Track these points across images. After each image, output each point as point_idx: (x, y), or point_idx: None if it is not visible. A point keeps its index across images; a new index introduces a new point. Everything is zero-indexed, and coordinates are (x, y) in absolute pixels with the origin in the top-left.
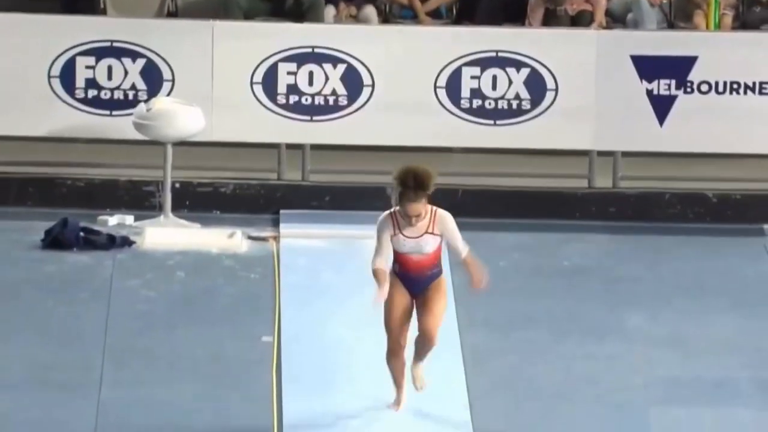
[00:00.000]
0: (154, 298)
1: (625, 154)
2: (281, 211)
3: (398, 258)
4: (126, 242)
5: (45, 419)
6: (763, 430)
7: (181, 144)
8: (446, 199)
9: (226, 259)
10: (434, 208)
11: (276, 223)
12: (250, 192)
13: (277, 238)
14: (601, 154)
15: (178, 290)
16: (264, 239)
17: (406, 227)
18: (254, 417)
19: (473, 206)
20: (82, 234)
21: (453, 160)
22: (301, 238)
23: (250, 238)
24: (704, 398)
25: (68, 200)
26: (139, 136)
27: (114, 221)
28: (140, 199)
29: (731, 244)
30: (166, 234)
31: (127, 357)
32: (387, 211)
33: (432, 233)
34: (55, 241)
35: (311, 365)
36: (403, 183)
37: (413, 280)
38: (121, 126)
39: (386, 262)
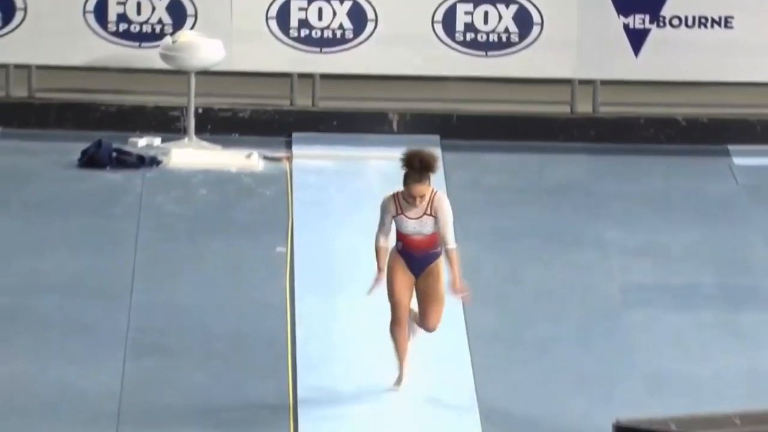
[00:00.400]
0: (180, 212)
1: (604, 82)
2: (293, 134)
3: (401, 237)
4: (154, 162)
5: (82, 321)
6: (725, 328)
7: (203, 73)
8: (442, 123)
9: (244, 177)
10: (435, 190)
11: (289, 145)
12: (266, 117)
13: (290, 159)
14: (582, 82)
15: (201, 205)
16: (278, 159)
17: (408, 208)
18: (269, 319)
19: (466, 130)
20: (114, 154)
21: (448, 88)
22: (312, 159)
23: (266, 158)
24: (673, 301)
25: (102, 124)
26: (165, 66)
27: (143, 143)
28: (167, 123)
29: (699, 164)
30: (190, 154)
31: (154, 266)
32: (390, 193)
33: (429, 214)
34: (90, 160)
35: (321, 273)
36: (409, 164)
37: (415, 259)
38: (149, 57)
39: (387, 240)
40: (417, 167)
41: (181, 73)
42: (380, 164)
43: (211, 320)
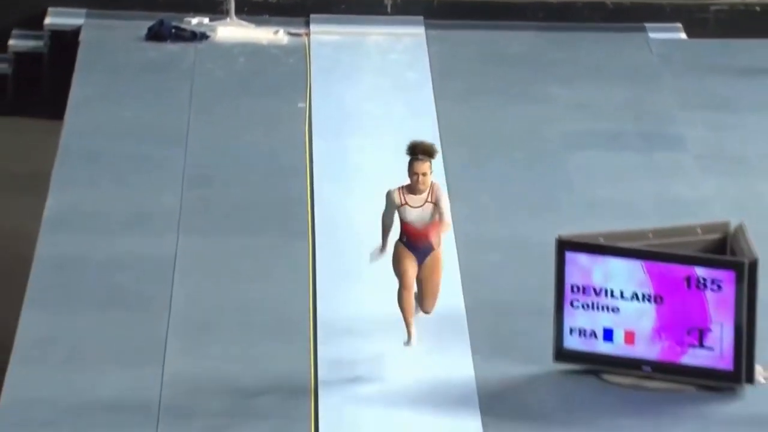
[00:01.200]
0: (223, 76)
1: None
2: (311, 15)
3: (405, 229)
4: (204, 36)
5: (149, 159)
6: (644, 164)
7: None
8: (426, 6)
9: (273, 49)
10: (433, 182)
11: (307, 24)
12: (289, 1)
13: (308, 34)
14: None
15: (240, 70)
16: (299, 35)
17: (411, 198)
18: (292, 155)
19: (445, 12)
20: (173, 30)
21: None
22: (325, 34)
23: (290, 34)
24: (604, 144)
25: (164, 6)
26: None
27: (195, 21)
28: (213, 6)
29: (622, 39)
30: (231, 31)
31: (205, 118)
32: (395, 187)
33: (430, 201)
34: (154, 35)
35: (335, 121)
36: (412, 152)
37: (417, 248)
38: None
39: (390, 221)
40: (419, 152)
41: None
42: (377, 38)
43: (247, 157)
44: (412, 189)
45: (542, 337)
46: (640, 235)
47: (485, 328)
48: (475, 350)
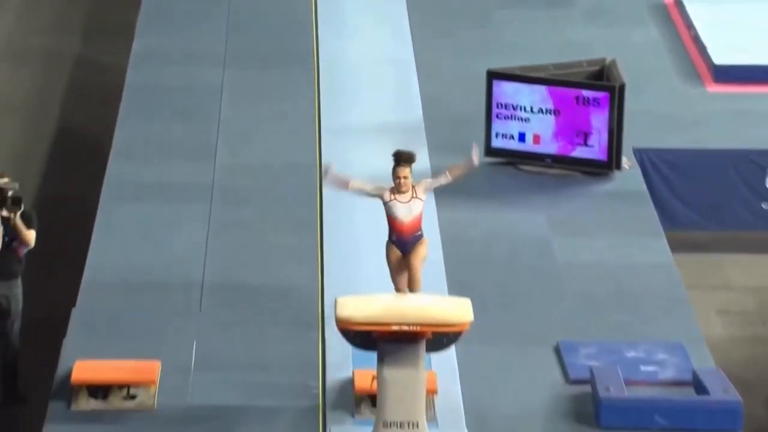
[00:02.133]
0: None
1: None
2: None
3: (394, 226)
4: None
5: (201, 17)
6: (546, 19)
7: None
8: None
9: None
10: (413, 183)
11: None
12: None
13: None
14: None
15: None
16: None
17: (400, 196)
18: (302, 11)
19: None
20: None
21: None
22: None
23: None
24: (518, 5)
25: None
26: None
27: None
28: None
29: None
30: None
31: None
32: (388, 187)
33: (417, 197)
34: None
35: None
36: (396, 158)
37: (405, 242)
38: None
39: (355, 184)
40: (402, 159)
41: None
42: None
43: (268, 14)
44: (397, 190)
45: (477, 139)
46: (544, 68)
47: (438, 134)
48: (430, 149)
